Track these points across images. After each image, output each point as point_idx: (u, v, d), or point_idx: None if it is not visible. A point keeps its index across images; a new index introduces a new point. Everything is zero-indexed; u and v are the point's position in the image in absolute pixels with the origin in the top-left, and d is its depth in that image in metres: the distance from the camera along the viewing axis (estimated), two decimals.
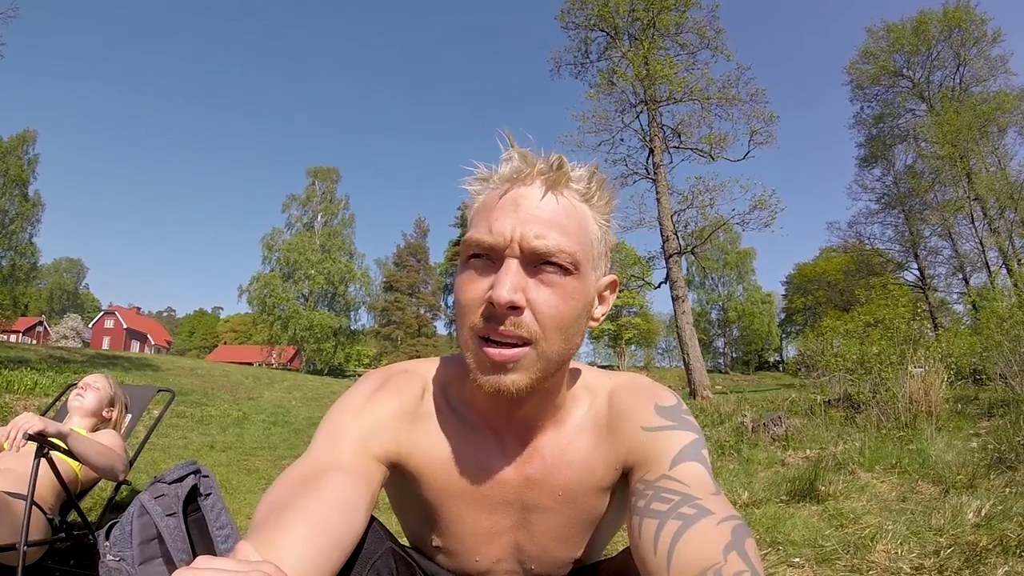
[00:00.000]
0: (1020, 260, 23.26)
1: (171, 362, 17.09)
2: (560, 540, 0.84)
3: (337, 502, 0.65)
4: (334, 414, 0.81)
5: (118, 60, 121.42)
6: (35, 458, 1.86)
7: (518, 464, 0.82)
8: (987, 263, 23.74)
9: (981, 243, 23.67)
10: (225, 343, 68.45)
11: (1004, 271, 23.14)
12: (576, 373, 0.87)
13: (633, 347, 56.83)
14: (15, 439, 1.77)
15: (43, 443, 1.89)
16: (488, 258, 0.71)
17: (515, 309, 0.68)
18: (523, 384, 0.71)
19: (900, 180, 26.29)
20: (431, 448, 0.81)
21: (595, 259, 0.75)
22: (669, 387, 0.88)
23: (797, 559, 2.76)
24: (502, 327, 0.68)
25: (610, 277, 0.80)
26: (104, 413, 2.59)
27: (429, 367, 0.90)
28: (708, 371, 18.25)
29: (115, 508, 2.78)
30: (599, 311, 0.79)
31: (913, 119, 26.36)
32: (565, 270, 0.70)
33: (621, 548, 0.88)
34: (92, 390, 2.54)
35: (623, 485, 0.81)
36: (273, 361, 42.37)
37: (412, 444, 0.81)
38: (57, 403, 3.08)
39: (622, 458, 0.80)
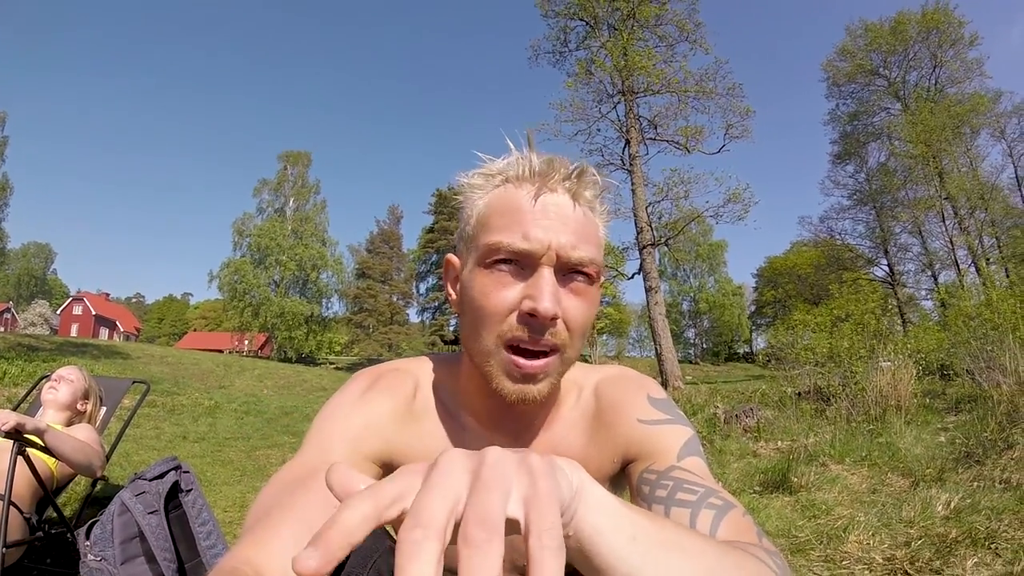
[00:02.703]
0: (989, 259, 24.03)
1: (141, 350, 16.74)
2: None
3: (328, 502, 0.62)
4: (325, 415, 0.80)
5: (84, 43, 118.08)
6: (12, 455, 1.81)
7: None
8: (956, 261, 24.38)
9: (951, 241, 24.28)
10: (195, 330, 67.36)
11: (973, 269, 23.86)
12: None
13: (605, 337, 57.25)
14: None
15: (19, 440, 1.84)
16: (518, 264, 0.70)
17: (555, 320, 0.69)
18: (546, 392, 0.72)
19: (872, 177, 26.81)
20: (423, 448, 0.80)
21: (601, 262, 0.76)
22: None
23: None
24: (543, 338, 0.69)
25: (602, 277, 0.81)
26: (79, 406, 2.53)
27: (420, 366, 0.89)
28: (679, 361, 18.47)
29: (92, 503, 2.73)
30: None
31: (888, 118, 26.84)
32: (590, 279, 0.71)
33: None
34: (66, 383, 2.48)
35: (620, 477, 0.82)
36: (244, 348, 41.76)
37: (404, 444, 0.80)
38: (30, 396, 3.00)
39: (620, 450, 0.80)
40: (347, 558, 0.72)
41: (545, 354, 0.70)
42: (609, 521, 0.42)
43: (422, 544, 0.29)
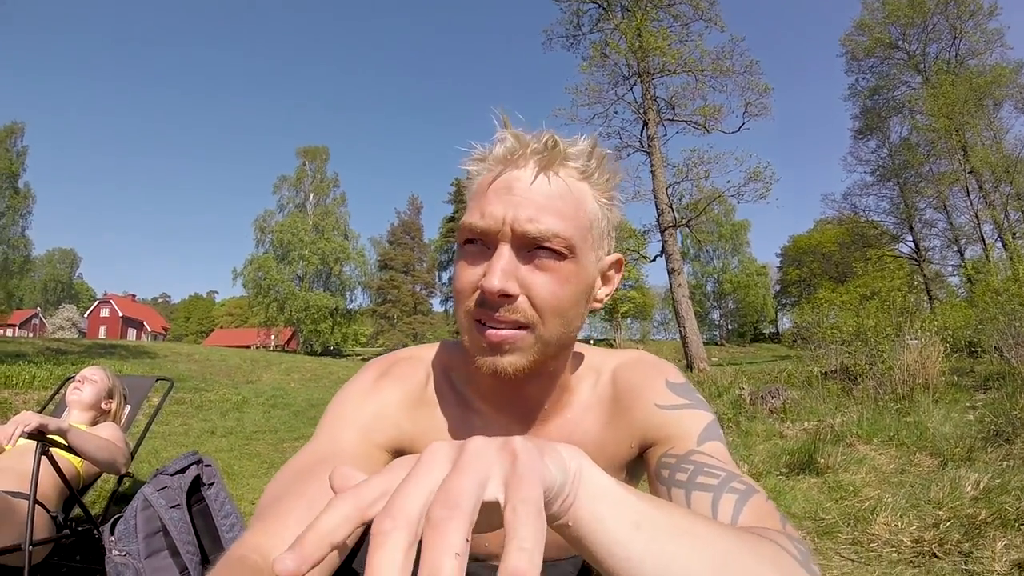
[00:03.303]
0: (1015, 233, 23.36)
1: (168, 348, 17.07)
2: None
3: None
4: (337, 403, 0.80)
5: (103, 50, 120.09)
6: (36, 456, 1.85)
7: None
8: (982, 236, 23.75)
9: (976, 216, 23.65)
10: (221, 327, 68.41)
11: (999, 244, 23.24)
12: (579, 354, 0.86)
13: (629, 320, 57.02)
14: (14, 437, 1.75)
15: (43, 440, 1.87)
16: (482, 243, 0.70)
17: (508, 297, 0.67)
18: (520, 365, 0.70)
19: (895, 152, 26.17)
20: (436, 434, 0.81)
21: (596, 239, 0.73)
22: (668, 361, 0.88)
23: (799, 532, 2.79)
24: (496, 313, 0.68)
25: (614, 256, 0.77)
26: (103, 405, 2.57)
27: (432, 352, 0.89)
28: (704, 343, 18.28)
29: (118, 500, 2.78)
30: (602, 292, 0.77)
31: (908, 91, 26.11)
32: (560, 254, 0.68)
33: None
34: (89, 383, 2.52)
35: (638, 462, 0.82)
36: (270, 343, 42.38)
37: (416, 431, 0.80)
38: (56, 397, 3.06)
39: (638, 435, 0.79)
40: (356, 552, 0.71)
41: (511, 328, 0.69)
42: (611, 508, 0.41)
43: (390, 535, 0.29)
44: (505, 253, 0.67)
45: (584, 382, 0.85)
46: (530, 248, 0.68)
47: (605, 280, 0.77)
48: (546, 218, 0.67)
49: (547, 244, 0.67)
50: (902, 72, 26.32)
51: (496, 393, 0.80)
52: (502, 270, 0.66)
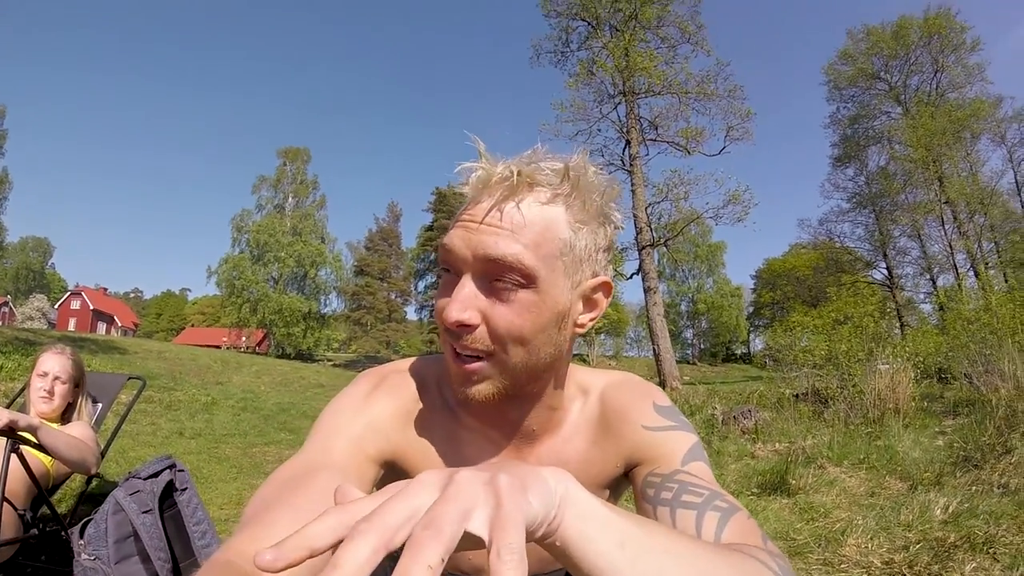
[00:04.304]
0: (988, 263, 24.10)
1: (138, 345, 16.69)
2: None
3: (326, 499, 0.62)
4: (329, 414, 0.80)
5: (83, 40, 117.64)
6: (5, 453, 1.79)
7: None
8: (955, 265, 24.47)
9: (950, 245, 24.36)
10: (193, 325, 67.17)
11: (972, 274, 23.91)
12: (569, 374, 0.85)
13: (603, 336, 57.30)
14: None
15: (13, 438, 1.82)
16: (452, 271, 0.71)
17: (467, 326, 0.68)
18: (489, 392, 0.72)
19: (872, 180, 26.89)
20: (426, 448, 0.81)
21: (571, 264, 0.70)
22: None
23: None
24: (461, 341, 0.69)
25: (599, 279, 0.74)
26: (69, 398, 2.49)
27: (425, 367, 0.89)
28: (677, 362, 18.47)
29: (87, 500, 2.71)
30: (586, 317, 0.75)
31: (888, 121, 26.95)
32: (519, 284, 0.68)
33: None
34: (59, 385, 2.43)
35: (622, 480, 0.83)
36: (241, 344, 41.71)
37: (407, 444, 0.80)
38: (23, 394, 2.97)
39: (624, 455, 0.80)
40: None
41: (478, 358, 0.70)
42: (596, 527, 0.42)
43: (364, 534, 0.32)
44: (467, 283, 0.68)
45: (573, 402, 0.86)
46: (491, 278, 0.68)
47: (589, 304, 0.75)
48: (505, 247, 0.66)
49: (506, 274, 0.67)
50: (883, 102, 27.14)
51: (485, 412, 0.80)
52: (460, 300, 0.67)
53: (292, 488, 0.65)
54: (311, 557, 0.33)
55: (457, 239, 0.69)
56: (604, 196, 0.73)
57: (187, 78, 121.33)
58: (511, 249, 0.66)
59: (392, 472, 0.81)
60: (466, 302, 0.67)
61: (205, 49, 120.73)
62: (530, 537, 0.39)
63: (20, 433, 1.85)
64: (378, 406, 0.81)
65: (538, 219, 0.68)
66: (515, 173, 0.68)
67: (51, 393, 2.38)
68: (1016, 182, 26.00)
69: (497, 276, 0.68)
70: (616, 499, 0.89)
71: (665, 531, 0.48)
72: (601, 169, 0.76)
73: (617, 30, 19.13)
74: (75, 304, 60.84)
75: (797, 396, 7.42)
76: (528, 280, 0.67)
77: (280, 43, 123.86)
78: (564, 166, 0.70)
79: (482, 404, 0.74)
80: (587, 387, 0.87)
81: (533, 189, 0.69)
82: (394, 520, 0.33)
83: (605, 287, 0.75)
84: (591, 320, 0.75)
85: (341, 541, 0.33)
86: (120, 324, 63.86)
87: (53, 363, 2.42)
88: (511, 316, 0.68)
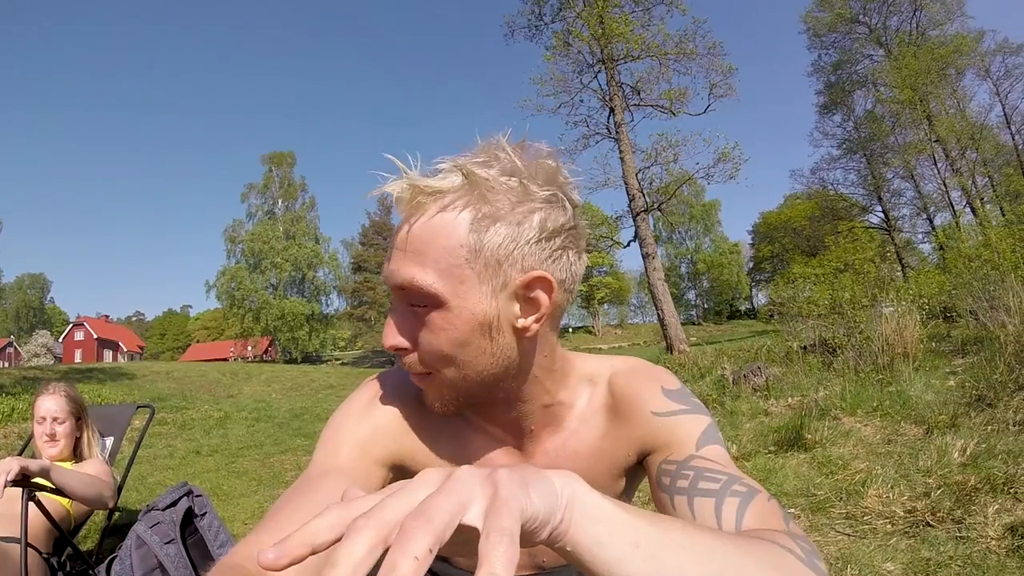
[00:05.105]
0: (983, 199, 24.04)
1: (146, 368, 16.76)
2: None
3: (332, 503, 0.66)
4: (335, 422, 0.81)
5: (62, 69, 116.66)
6: (23, 503, 1.79)
7: (520, 460, 0.82)
8: (951, 203, 24.46)
9: (944, 183, 24.33)
10: (198, 341, 67.32)
11: (968, 210, 23.90)
12: (571, 364, 0.84)
13: (606, 306, 57.46)
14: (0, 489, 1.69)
15: (28, 485, 1.82)
16: None
17: (402, 350, 0.70)
18: (448, 405, 0.74)
19: (860, 125, 26.75)
20: (434, 449, 0.81)
21: (483, 269, 0.65)
22: (666, 367, 0.87)
23: (792, 510, 2.83)
24: (403, 361, 0.72)
25: (532, 274, 0.66)
26: (75, 433, 2.47)
27: None
28: (682, 324, 18.47)
29: (111, 532, 2.72)
30: (527, 320, 0.68)
31: (871, 64, 26.72)
32: (428, 304, 0.66)
33: None
34: (59, 426, 2.41)
35: (637, 469, 0.82)
36: (248, 354, 41.87)
37: (414, 447, 0.80)
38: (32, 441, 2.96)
39: (636, 443, 0.79)
40: None
41: (423, 374, 0.72)
42: (608, 529, 0.41)
43: (361, 531, 0.32)
44: (396, 309, 0.70)
45: (580, 391, 0.84)
46: (408, 303, 0.68)
47: (528, 303, 0.68)
48: (405, 272, 0.66)
49: (414, 299, 0.67)
50: (864, 46, 26.88)
51: (483, 411, 0.81)
52: (390, 326, 0.70)
53: (300, 493, 0.67)
54: (313, 554, 0.34)
55: (385, 266, 0.69)
56: (533, 179, 0.66)
57: (165, 99, 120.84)
58: (408, 274, 0.65)
59: (400, 474, 0.82)
60: (396, 327, 0.69)
61: (177, 69, 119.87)
62: (535, 537, 0.38)
63: (34, 480, 1.85)
64: (384, 409, 0.81)
65: (436, 230, 0.65)
66: (410, 187, 0.66)
67: (53, 436, 2.37)
68: (1004, 115, 25.87)
69: (411, 301, 0.67)
70: (634, 489, 0.89)
71: (681, 526, 0.47)
72: (548, 145, 0.70)
73: None
74: (79, 335, 61.04)
75: (805, 348, 7.43)
76: (432, 300, 0.65)
77: (253, 53, 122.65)
78: (455, 163, 0.66)
79: (485, 405, 0.76)
80: (593, 377, 0.85)
81: (436, 198, 0.65)
82: (392, 516, 0.33)
83: (542, 283, 0.67)
84: (535, 321, 0.68)
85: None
86: (125, 349, 64.04)
87: (48, 405, 2.40)
88: (429, 337, 0.68)
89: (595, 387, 0.84)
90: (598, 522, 0.41)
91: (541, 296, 0.68)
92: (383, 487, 0.76)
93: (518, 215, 0.65)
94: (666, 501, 0.68)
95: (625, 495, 0.87)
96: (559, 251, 0.68)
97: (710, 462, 0.69)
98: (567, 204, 0.69)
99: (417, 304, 0.67)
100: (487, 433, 0.82)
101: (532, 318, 0.68)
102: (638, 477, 0.85)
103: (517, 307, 0.68)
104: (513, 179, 0.66)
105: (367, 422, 0.79)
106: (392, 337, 0.69)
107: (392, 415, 0.81)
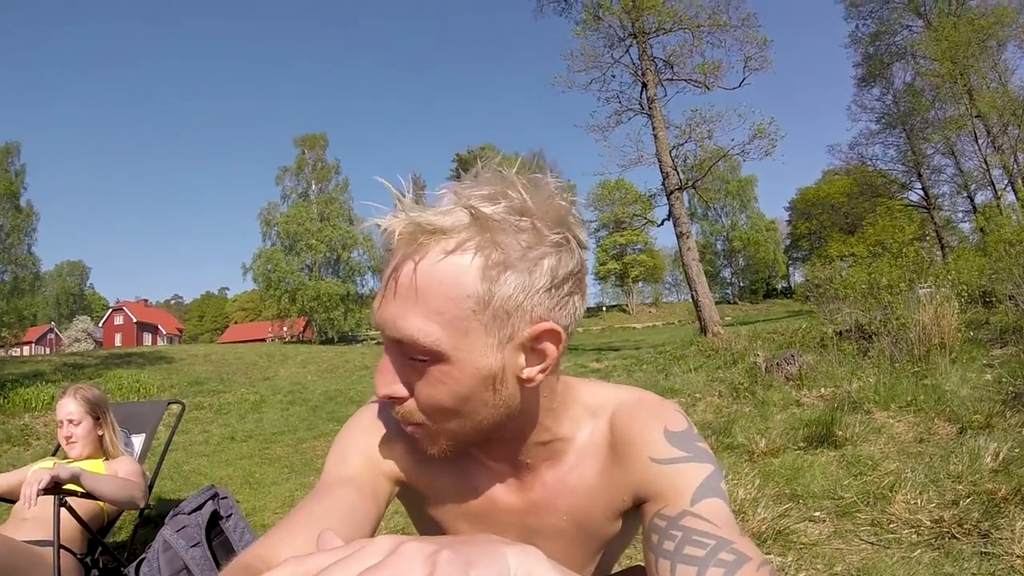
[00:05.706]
0: None
1: (184, 351, 17.26)
2: (567, 564, 0.83)
3: (342, 511, 0.68)
4: (345, 434, 0.82)
5: (96, 60, 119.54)
6: (55, 510, 1.87)
7: (519, 492, 0.81)
8: (992, 181, 23.43)
9: (985, 161, 23.30)
10: (236, 322, 69.05)
11: (1010, 190, 22.87)
12: (573, 395, 0.81)
13: (640, 284, 56.97)
14: (33, 498, 1.77)
15: (59, 492, 1.90)
16: None
17: (396, 399, 0.67)
18: (444, 450, 0.71)
19: (900, 99, 25.75)
20: (434, 474, 0.82)
21: (491, 320, 0.62)
22: (676, 403, 0.85)
23: (818, 513, 2.78)
24: (396, 410, 0.69)
25: (541, 327, 0.63)
26: (98, 432, 2.52)
27: None
28: (717, 303, 18.18)
29: (144, 524, 2.83)
30: (533, 371, 0.66)
31: (910, 36, 25.60)
32: (428, 359, 0.62)
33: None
34: (75, 428, 2.46)
35: (634, 512, 0.79)
36: (285, 335, 42.79)
37: (416, 470, 0.81)
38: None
39: (632, 490, 0.76)
40: None
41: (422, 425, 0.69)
42: None
43: None
44: (389, 356, 0.66)
45: (582, 425, 0.81)
46: (404, 354, 0.65)
47: (534, 355, 0.66)
48: (404, 325, 0.61)
49: (412, 351, 0.63)
50: (902, 16, 25.71)
51: (483, 441, 0.78)
52: (383, 375, 0.66)
53: (314, 499, 0.69)
54: None
55: (375, 311, 0.65)
56: (544, 220, 0.62)
57: (199, 83, 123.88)
58: (408, 328, 0.61)
59: (406, 492, 0.83)
60: (391, 375, 0.66)
61: (212, 53, 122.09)
62: None
63: (66, 487, 1.93)
64: (389, 430, 0.81)
65: (441, 277, 0.60)
66: (412, 225, 0.59)
67: (70, 438, 2.43)
68: None
69: (408, 353, 0.64)
70: (632, 531, 0.87)
71: None
72: (557, 179, 0.65)
73: None
74: (118, 320, 62.93)
75: (840, 333, 7.26)
76: (434, 355, 0.62)
77: (280, 37, 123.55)
78: (459, 197, 0.61)
79: (491, 437, 0.73)
80: (596, 409, 0.82)
81: (439, 238, 0.60)
82: None
83: (551, 335, 0.64)
84: (541, 372, 0.66)
85: None
86: (165, 332, 65.76)
87: (65, 409, 2.46)
88: (429, 390, 0.64)
89: (597, 420, 0.82)
90: None
91: (549, 347, 0.65)
92: (391, 500, 0.79)
93: (529, 262, 0.61)
94: (652, 561, 0.66)
95: (621, 537, 0.86)
96: (566, 297, 0.65)
97: (703, 522, 0.65)
98: (575, 247, 0.66)
99: (416, 359, 0.63)
100: (486, 466, 0.82)
101: (538, 368, 0.66)
102: (636, 520, 0.82)
103: (523, 358, 0.65)
104: (524, 219, 0.61)
105: (376, 435, 0.80)
106: (386, 386, 0.65)
107: (396, 437, 0.80)
